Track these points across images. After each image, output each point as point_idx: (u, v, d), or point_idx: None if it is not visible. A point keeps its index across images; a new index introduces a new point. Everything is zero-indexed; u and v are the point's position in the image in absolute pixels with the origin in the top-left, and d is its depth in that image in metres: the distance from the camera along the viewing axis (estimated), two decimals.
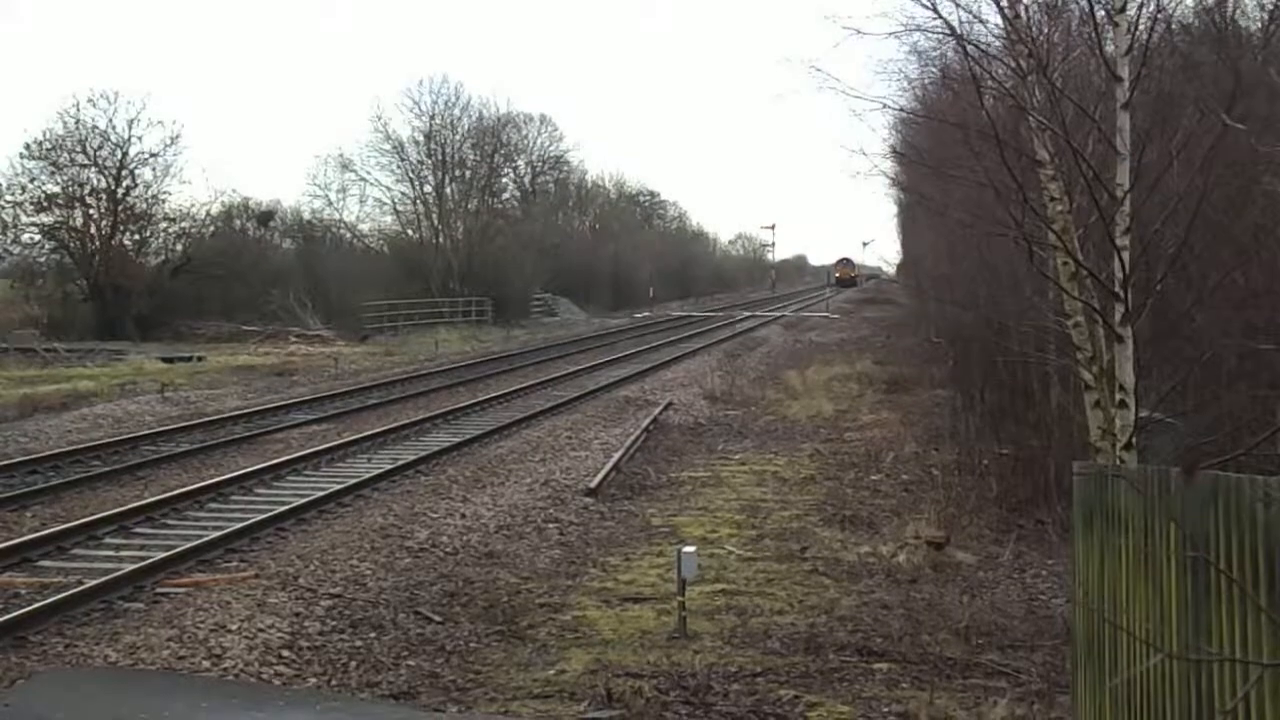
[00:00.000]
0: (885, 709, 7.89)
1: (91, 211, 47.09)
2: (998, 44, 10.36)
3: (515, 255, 57.79)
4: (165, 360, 34.34)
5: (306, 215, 58.01)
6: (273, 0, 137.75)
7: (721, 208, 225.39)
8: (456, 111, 58.04)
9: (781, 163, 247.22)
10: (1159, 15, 9.08)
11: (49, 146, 46.19)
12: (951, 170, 12.19)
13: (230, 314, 46.11)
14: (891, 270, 78.51)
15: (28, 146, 46.08)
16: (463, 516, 13.71)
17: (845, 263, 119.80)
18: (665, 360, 34.63)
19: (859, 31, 10.22)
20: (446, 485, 15.48)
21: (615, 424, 21.85)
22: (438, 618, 9.98)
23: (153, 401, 24.04)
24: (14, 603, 9.97)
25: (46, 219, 46.70)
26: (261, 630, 9.25)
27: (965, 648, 9.10)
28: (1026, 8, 9.60)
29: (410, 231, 58.50)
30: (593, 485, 15.85)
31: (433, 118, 57.32)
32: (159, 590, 10.41)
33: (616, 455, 18.07)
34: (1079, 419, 10.94)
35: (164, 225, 49.22)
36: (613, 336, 46.02)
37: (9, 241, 46.88)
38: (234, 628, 9.21)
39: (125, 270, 46.59)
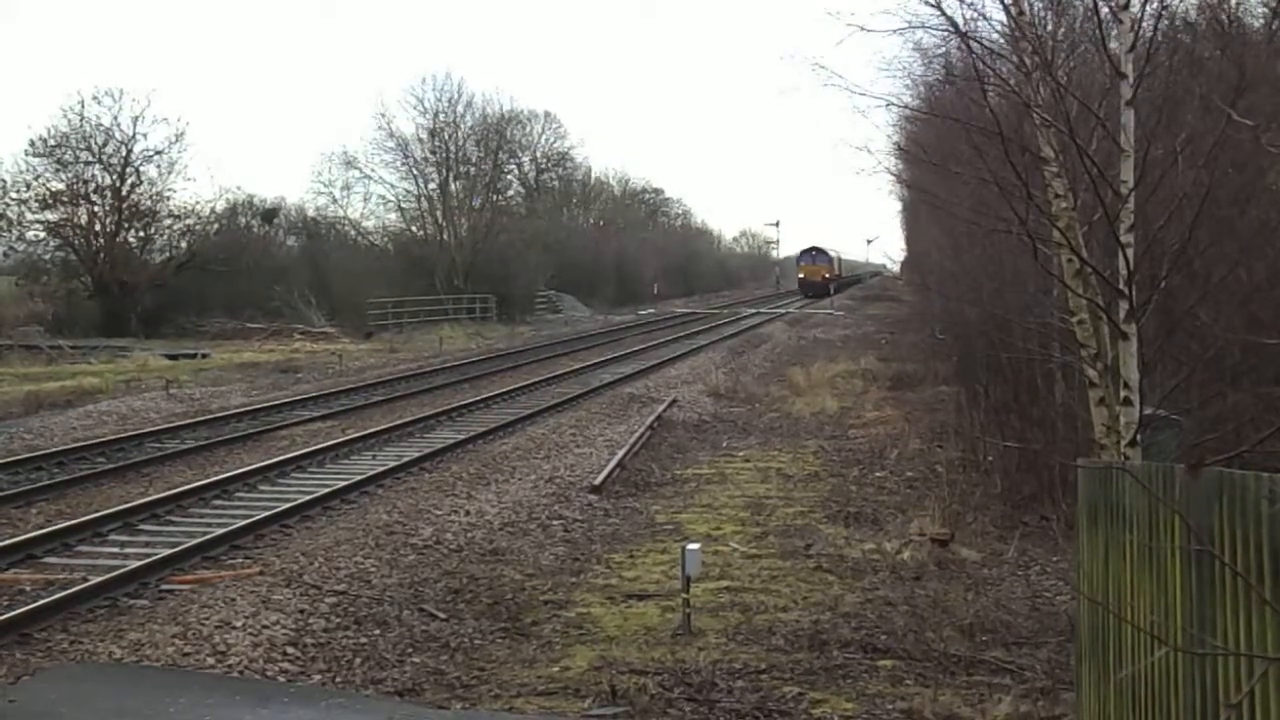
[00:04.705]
0: (889, 706, 7.90)
1: (96, 208, 47.25)
2: (1002, 41, 10.35)
3: (519, 252, 57.83)
4: (170, 357, 34.40)
5: (311, 212, 58.23)
6: None
7: (725, 205, 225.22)
8: (460, 108, 58.20)
9: (786, 160, 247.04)
10: (1163, 12, 9.08)
11: (54, 144, 46.35)
12: (956, 167, 12.18)
13: (235, 311, 46.18)
14: (896, 267, 77.96)
15: (32, 143, 46.29)
16: (467, 514, 13.73)
17: (813, 255, 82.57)
18: (670, 357, 34.64)
19: (863, 28, 10.21)
20: (451, 482, 15.50)
21: (620, 421, 21.87)
22: (442, 615, 9.99)
23: (157, 398, 24.08)
24: (19, 599, 10.00)
25: (51, 216, 46.85)
26: (266, 627, 9.26)
27: (969, 645, 9.10)
28: (1031, 5, 9.59)
29: (414, 228, 58.57)
30: (597, 482, 15.86)
31: (436, 115, 57.47)
32: (164, 587, 10.43)
33: (621, 452, 18.08)
34: (1083, 416, 10.93)
35: (168, 222, 49.41)
36: (617, 333, 46.03)
37: (14, 239, 47.06)
38: (239, 624, 9.22)
39: (130, 267, 46.70)
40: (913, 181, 21.43)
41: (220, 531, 12.13)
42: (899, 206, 45.10)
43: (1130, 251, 7.63)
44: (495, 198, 61.40)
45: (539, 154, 74.39)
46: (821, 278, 78.15)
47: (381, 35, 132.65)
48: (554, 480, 16.03)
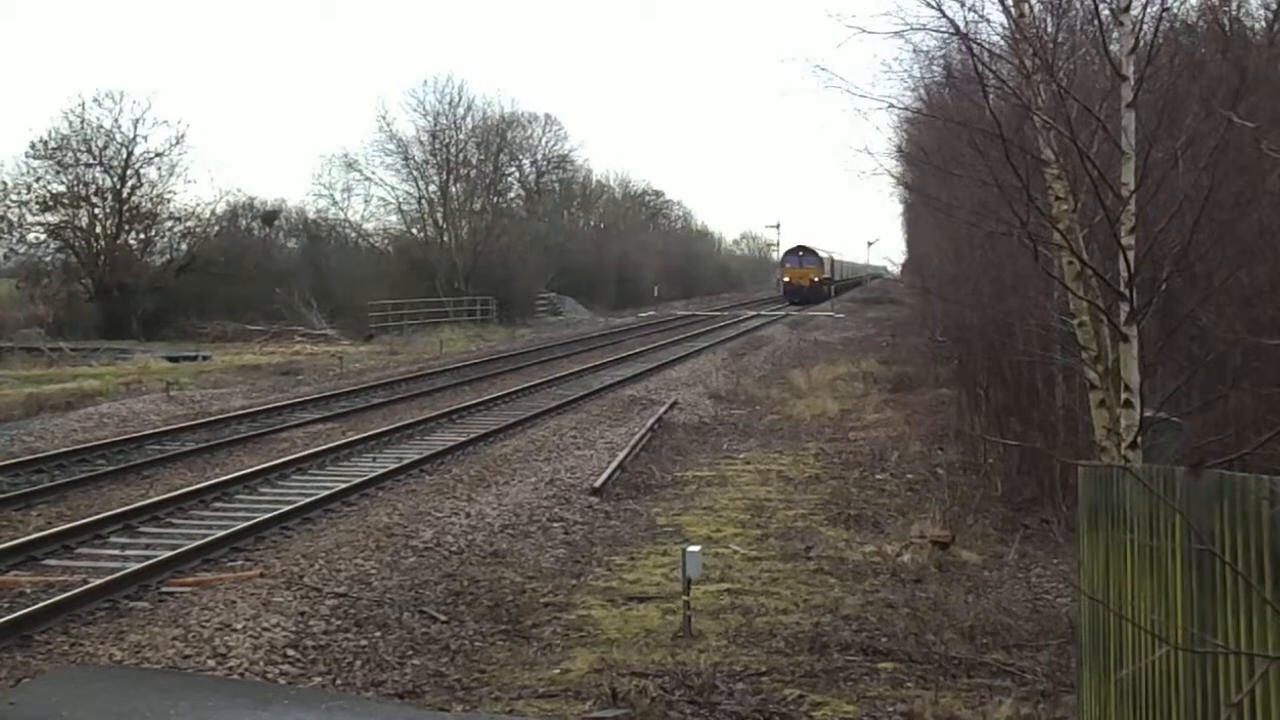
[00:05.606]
0: (890, 708, 7.90)
1: (97, 211, 47.34)
2: (1002, 43, 10.36)
3: (520, 254, 57.86)
4: (170, 359, 34.41)
5: (311, 214, 58.20)
6: (278, 0, 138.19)
7: (726, 207, 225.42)
8: (460, 111, 58.24)
9: (786, 162, 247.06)
10: (1164, 14, 9.08)
11: (54, 146, 46.45)
12: (956, 170, 12.17)
13: (235, 313, 46.19)
14: (896, 269, 77.24)
15: (33, 146, 46.39)
16: (467, 516, 13.72)
17: (800, 256, 72.92)
18: (670, 359, 34.65)
19: (863, 30, 10.20)
20: (451, 484, 15.49)
21: (620, 423, 21.87)
22: (443, 617, 9.99)
23: (158, 400, 24.07)
24: (20, 601, 10.01)
25: (52, 218, 46.95)
26: (266, 629, 9.26)
27: (970, 647, 9.10)
28: (1031, 7, 9.59)
29: (415, 231, 58.59)
30: (597, 484, 15.85)
31: (437, 117, 57.52)
32: (164, 589, 10.43)
33: (621, 454, 18.07)
34: (1084, 418, 10.93)
35: (169, 224, 49.52)
36: (618, 336, 46.05)
37: (15, 241, 47.12)
38: (239, 627, 9.22)
39: (130, 269, 46.75)
40: (913, 184, 21.43)
41: (221, 534, 12.13)
42: (900, 209, 45.07)
43: (1131, 254, 7.62)
44: (496, 200, 61.44)
45: (539, 156, 74.38)
46: (810, 281, 69.82)
47: (382, 37, 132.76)
48: (554, 482, 16.02)
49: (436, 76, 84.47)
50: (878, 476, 16.77)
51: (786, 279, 73.15)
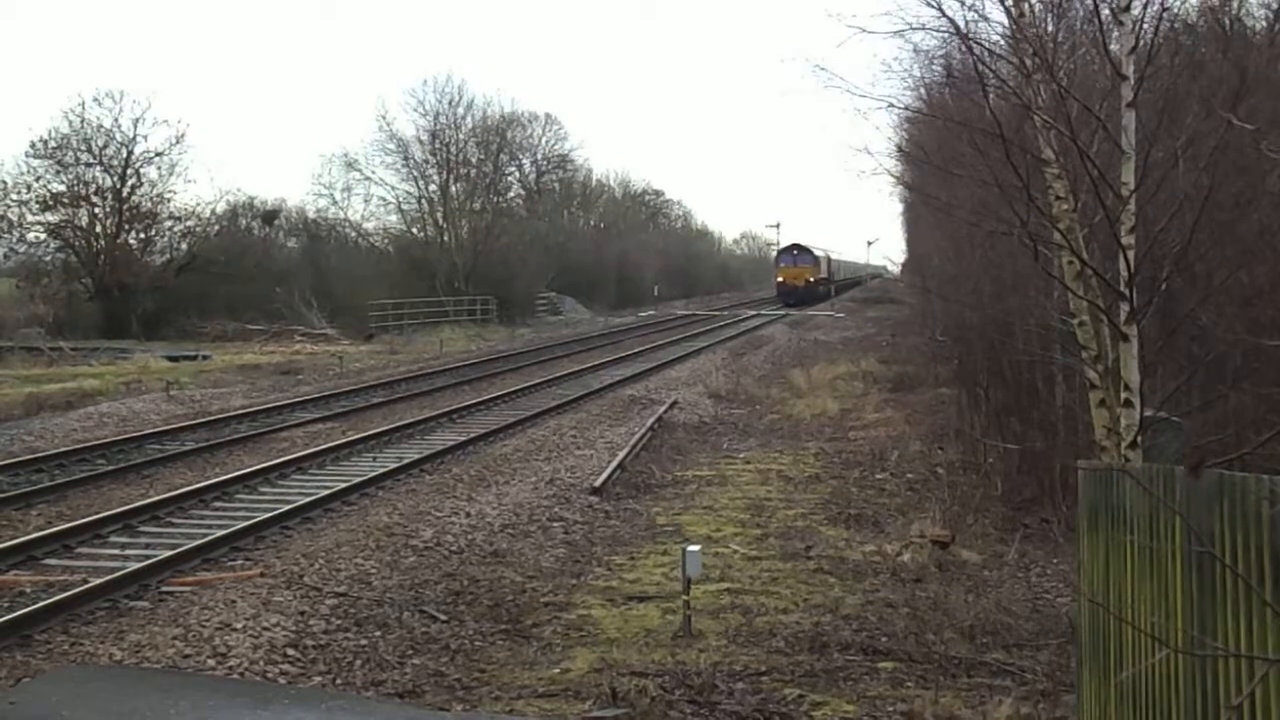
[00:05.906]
0: (890, 708, 7.90)
1: (97, 210, 47.32)
2: (1002, 43, 10.36)
3: (520, 254, 57.84)
4: (170, 359, 34.40)
5: (311, 214, 58.15)
6: (277, 0, 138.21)
7: (726, 207, 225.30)
8: (460, 110, 58.22)
9: (786, 162, 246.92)
10: (1164, 14, 9.08)
11: (54, 145, 46.42)
12: (956, 169, 12.18)
13: (235, 313, 46.16)
14: (896, 269, 76.90)
15: (33, 145, 46.35)
16: (467, 515, 13.72)
17: (795, 255, 69.88)
18: (670, 359, 34.65)
19: (863, 30, 10.22)
20: (451, 484, 15.49)
21: (620, 423, 21.87)
22: (443, 616, 9.99)
23: (158, 400, 24.08)
24: (19, 601, 10.00)
25: (52, 218, 46.92)
26: (266, 629, 9.26)
27: (970, 647, 9.10)
28: (1031, 7, 9.59)
29: (415, 230, 58.57)
30: (597, 484, 15.85)
31: (437, 117, 57.50)
32: (164, 589, 10.44)
33: (621, 454, 18.07)
34: (1084, 418, 10.93)
35: (169, 224, 49.50)
36: (618, 335, 46.05)
37: (15, 240, 47.08)
38: (239, 626, 9.23)
39: (130, 269, 46.75)
40: (913, 183, 21.43)
41: (221, 533, 12.13)
42: (900, 208, 45.05)
43: (1131, 253, 7.62)
44: (496, 200, 61.44)
45: (540, 156, 74.43)
46: (805, 282, 66.80)
47: (382, 37, 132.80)
48: (554, 482, 16.03)
49: (436, 76, 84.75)
50: (878, 476, 16.77)
51: (780, 279, 70.05)
